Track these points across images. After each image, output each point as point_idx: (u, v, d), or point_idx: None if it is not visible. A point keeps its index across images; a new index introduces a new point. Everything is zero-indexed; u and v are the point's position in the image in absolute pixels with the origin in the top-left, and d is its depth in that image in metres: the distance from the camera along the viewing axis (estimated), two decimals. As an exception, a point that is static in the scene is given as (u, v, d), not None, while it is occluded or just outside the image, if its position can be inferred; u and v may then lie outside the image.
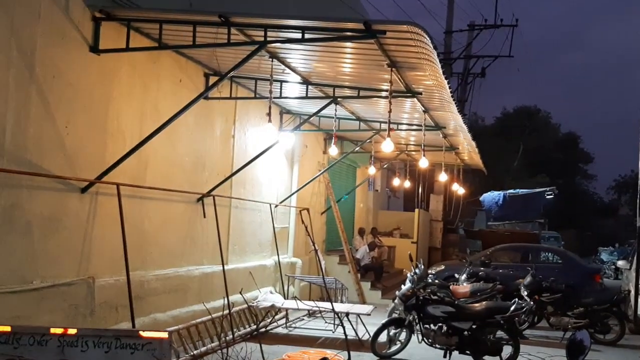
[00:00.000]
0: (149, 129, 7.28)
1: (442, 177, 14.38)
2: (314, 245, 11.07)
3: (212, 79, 9.13)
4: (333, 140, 10.73)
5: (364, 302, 13.83)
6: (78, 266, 6.70)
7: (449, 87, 8.50)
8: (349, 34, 6.41)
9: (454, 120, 11.13)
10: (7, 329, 4.05)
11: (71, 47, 6.55)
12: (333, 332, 9.87)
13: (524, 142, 41.39)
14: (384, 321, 8.65)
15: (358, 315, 9.64)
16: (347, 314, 9.38)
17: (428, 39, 6.08)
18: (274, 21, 6.50)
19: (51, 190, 6.33)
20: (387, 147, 7.93)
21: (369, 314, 9.48)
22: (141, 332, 4.03)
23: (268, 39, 6.57)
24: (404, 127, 12.33)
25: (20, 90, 5.92)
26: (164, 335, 4.00)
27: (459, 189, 18.05)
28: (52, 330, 4.06)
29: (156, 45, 7.26)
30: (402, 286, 9.12)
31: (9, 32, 5.78)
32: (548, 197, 22.59)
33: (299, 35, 6.45)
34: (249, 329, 9.47)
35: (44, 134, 6.23)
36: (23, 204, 5.97)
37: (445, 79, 7.75)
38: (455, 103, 9.69)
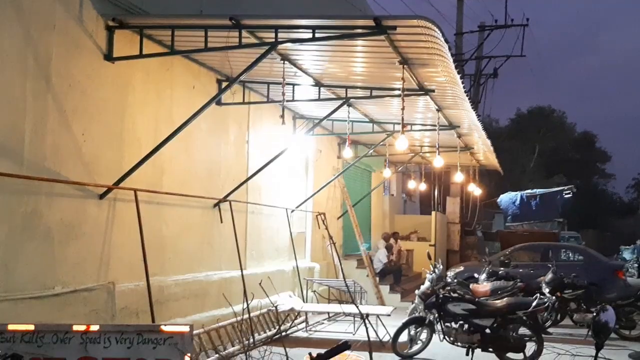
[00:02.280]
0: (164, 135, 7.34)
1: (458, 177, 14.29)
2: (330, 239, 11.02)
3: (225, 85, 9.21)
4: (347, 143, 10.73)
5: (383, 305, 13.75)
6: (98, 272, 6.76)
7: (462, 84, 8.48)
8: (359, 31, 6.43)
9: (468, 119, 11.08)
10: (31, 327, 4.09)
11: (86, 56, 6.65)
12: (353, 335, 9.81)
13: (539, 142, 41.04)
14: (404, 320, 8.57)
15: (378, 316, 9.58)
16: (367, 315, 9.32)
17: (439, 32, 6.07)
18: (284, 22, 6.55)
19: (70, 197, 6.40)
20: (401, 144, 7.91)
21: (389, 315, 9.42)
22: (162, 327, 4.06)
23: (279, 39, 6.61)
24: (418, 127, 12.29)
25: (37, 100, 6.02)
26: (185, 329, 4.01)
27: (475, 190, 17.93)
28: (75, 328, 4.09)
29: (168, 51, 7.34)
30: (422, 286, 9.05)
31: (25, 43, 5.90)
32: (566, 195, 22.29)
33: (309, 35, 6.49)
34: (269, 333, 9.45)
35: (62, 142, 6.32)
36: (42, 210, 6.05)
37: (458, 73, 7.72)
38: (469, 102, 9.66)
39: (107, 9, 6.90)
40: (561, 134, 44.34)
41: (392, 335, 8.46)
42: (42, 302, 5.93)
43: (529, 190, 23.26)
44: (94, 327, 4.08)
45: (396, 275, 15.05)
